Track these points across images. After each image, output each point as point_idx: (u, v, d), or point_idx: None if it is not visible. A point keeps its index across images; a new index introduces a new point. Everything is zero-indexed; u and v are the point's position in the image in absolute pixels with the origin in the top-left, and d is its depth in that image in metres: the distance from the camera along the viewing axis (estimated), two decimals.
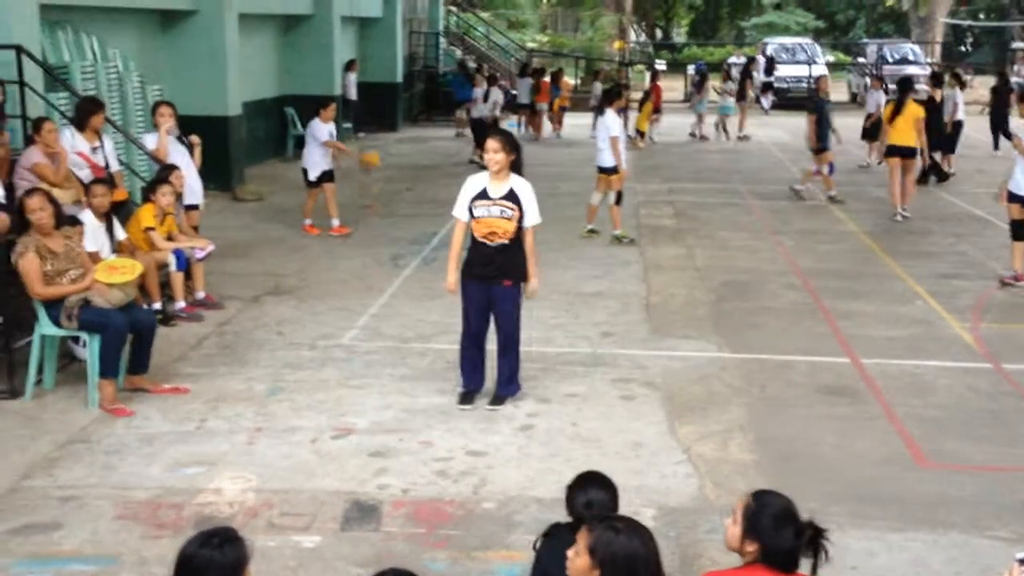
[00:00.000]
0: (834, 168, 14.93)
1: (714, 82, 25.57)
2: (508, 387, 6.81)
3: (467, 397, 6.79)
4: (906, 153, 13.50)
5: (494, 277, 6.56)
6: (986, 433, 6.43)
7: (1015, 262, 9.95)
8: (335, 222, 12.34)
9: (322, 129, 12.17)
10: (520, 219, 6.49)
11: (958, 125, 17.42)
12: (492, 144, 6.42)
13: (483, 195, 6.48)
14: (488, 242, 6.48)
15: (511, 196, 6.46)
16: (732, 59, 32.99)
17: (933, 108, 16.25)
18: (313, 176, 12.26)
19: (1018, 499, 5.52)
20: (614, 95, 12.52)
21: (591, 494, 3.71)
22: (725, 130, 23.37)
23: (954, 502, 5.48)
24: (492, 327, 6.81)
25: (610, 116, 11.91)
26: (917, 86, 21.49)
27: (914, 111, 13.59)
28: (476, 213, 6.48)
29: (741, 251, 11.64)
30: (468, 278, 6.65)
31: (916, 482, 5.73)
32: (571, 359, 7.72)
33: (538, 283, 6.79)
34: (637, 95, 24.67)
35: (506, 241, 6.49)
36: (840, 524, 5.16)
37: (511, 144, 6.49)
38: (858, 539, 5.05)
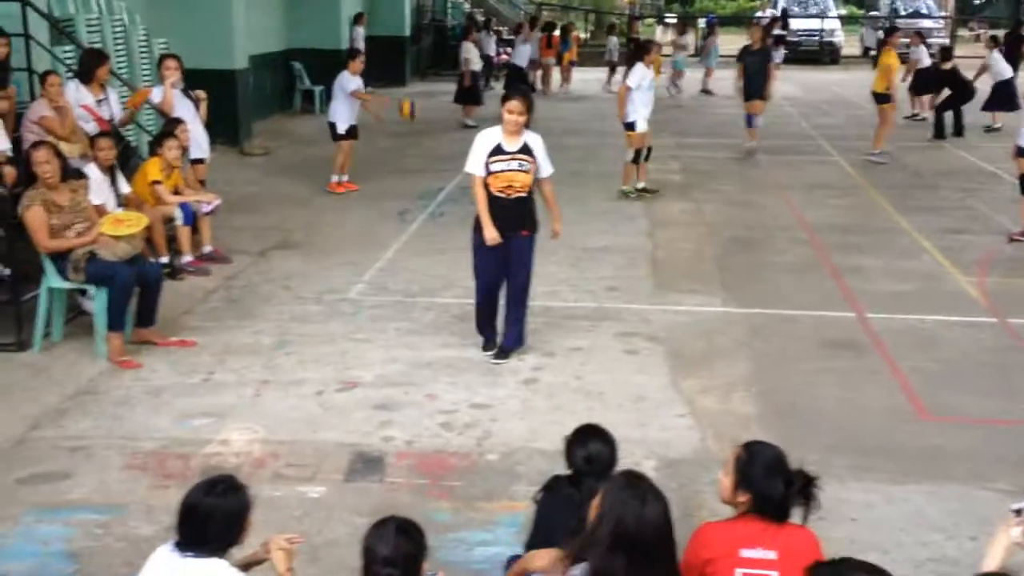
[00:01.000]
0: (753, 121, 14.42)
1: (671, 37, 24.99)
2: (515, 341, 6.86)
3: (489, 344, 6.92)
4: (877, 98, 14.33)
5: (513, 229, 6.59)
6: (989, 387, 6.44)
7: None
8: (344, 177, 12.28)
9: (351, 81, 12.03)
10: (536, 171, 6.55)
11: (1008, 84, 16.77)
12: (515, 105, 6.39)
13: (498, 151, 6.48)
14: (505, 196, 6.50)
15: (526, 149, 6.50)
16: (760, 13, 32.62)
17: (948, 77, 16.31)
18: (341, 129, 12.06)
19: (1018, 452, 5.54)
20: (646, 48, 11.98)
21: (590, 448, 3.75)
22: (676, 84, 23.10)
23: (955, 454, 5.51)
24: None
25: (637, 69, 11.42)
26: (930, 40, 21.36)
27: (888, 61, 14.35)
28: (493, 168, 6.48)
29: (748, 206, 11.62)
30: (482, 232, 6.64)
31: (917, 435, 5.76)
32: (576, 313, 7.74)
33: (561, 226, 6.93)
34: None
35: (523, 194, 6.54)
36: (840, 476, 5.22)
37: (530, 104, 6.51)
38: (858, 491, 5.09)
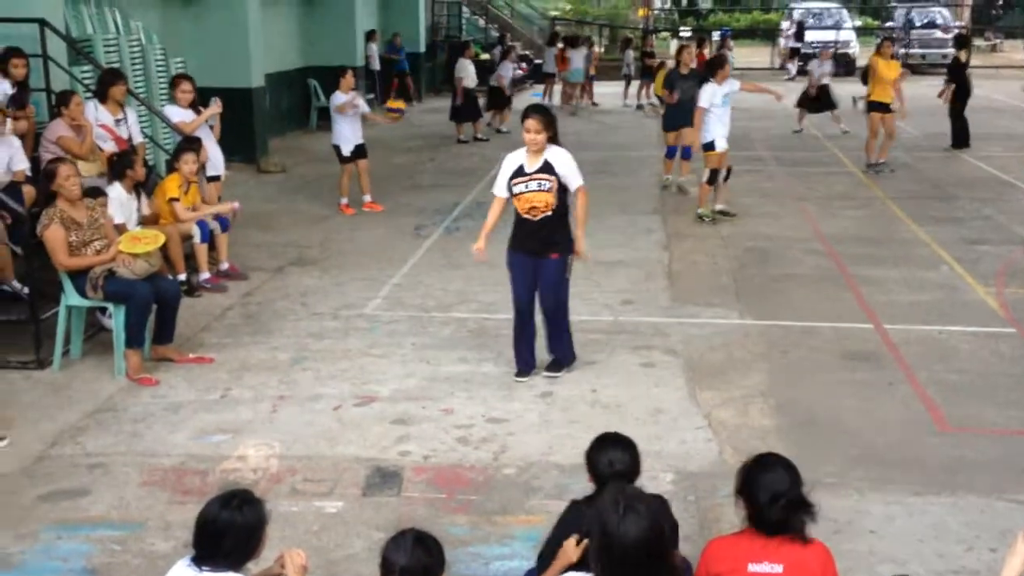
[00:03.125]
0: (672, 153, 13.40)
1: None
2: (563, 356, 6.80)
3: (522, 371, 6.75)
4: (884, 108, 14.13)
5: (540, 251, 6.50)
6: (1008, 397, 6.40)
7: None
8: (367, 198, 12.11)
9: (337, 96, 11.74)
10: (559, 189, 6.40)
11: None
12: (533, 124, 6.29)
13: (520, 172, 6.42)
14: (531, 217, 6.43)
15: (546, 167, 6.37)
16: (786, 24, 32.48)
17: (958, 70, 16.05)
18: (346, 152, 11.86)
19: None
20: (718, 64, 11.33)
21: (611, 454, 3.75)
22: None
23: (974, 466, 5.47)
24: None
25: (708, 88, 10.95)
26: (944, 50, 21.22)
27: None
28: (515, 190, 6.43)
29: (764, 218, 11.59)
30: (515, 251, 6.61)
31: (937, 446, 5.72)
32: (592, 327, 7.73)
33: (585, 246, 6.67)
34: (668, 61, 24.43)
35: (549, 213, 6.41)
36: (860, 488, 5.20)
37: (549, 121, 6.39)
38: (878, 503, 5.06)
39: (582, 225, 6.64)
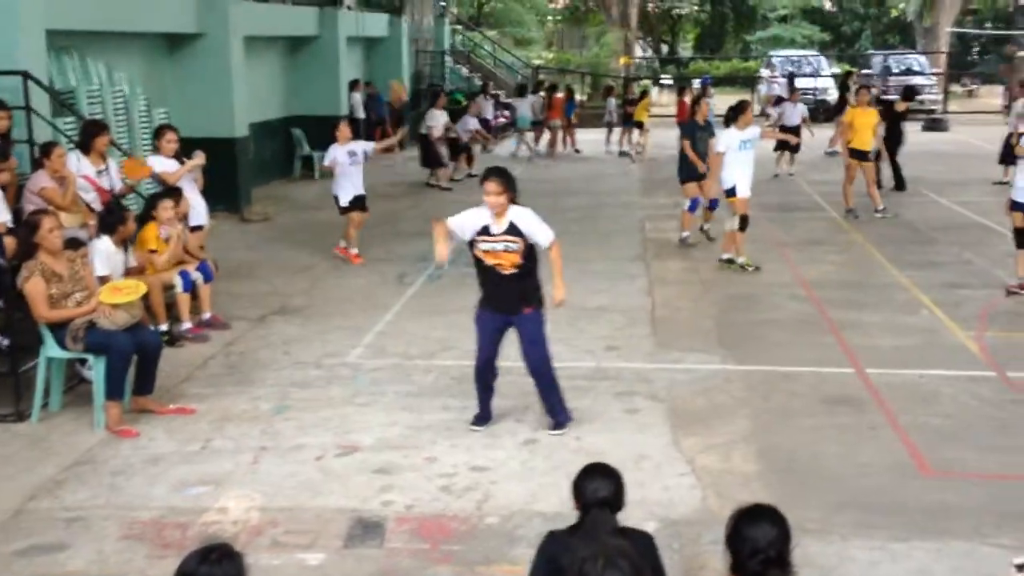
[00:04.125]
0: (696, 205, 12.70)
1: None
2: (560, 415, 6.69)
3: (479, 420, 6.73)
4: (862, 156, 14.32)
5: (513, 308, 6.45)
6: (990, 441, 6.42)
7: (1020, 270, 9.94)
8: (343, 243, 11.99)
9: (340, 152, 11.59)
10: (526, 248, 6.35)
11: None
12: (493, 187, 6.25)
13: (485, 231, 6.36)
14: (500, 271, 6.38)
15: (512, 230, 6.32)
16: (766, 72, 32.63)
17: (894, 117, 16.35)
18: (344, 202, 11.74)
19: (1022, 506, 5.50)
20: (740, 110, 11.19)
21: (597, 482, 3.77)
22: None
23: (958, 510, 5.47)
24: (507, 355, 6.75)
25: (727, 133, 11.02)
26: (920, 97, 21.67)
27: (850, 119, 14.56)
28: (482, 247, 6.38)
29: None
30: (482, 308, 6.57)
31: (920, 491, 5.72)
32: (575, 373, 7.71)
33: (563, 293, 6.56)
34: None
35: (516, 270, 6.37)
36: (844, 535, 5.19)
37: (509, 184, 6.33)
38: (862, 549, 5.05)
39: (559, 274, 6.55)
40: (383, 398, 7.30)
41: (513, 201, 6.37)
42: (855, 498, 5.63)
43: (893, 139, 16.01)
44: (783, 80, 30.90)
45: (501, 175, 6.36)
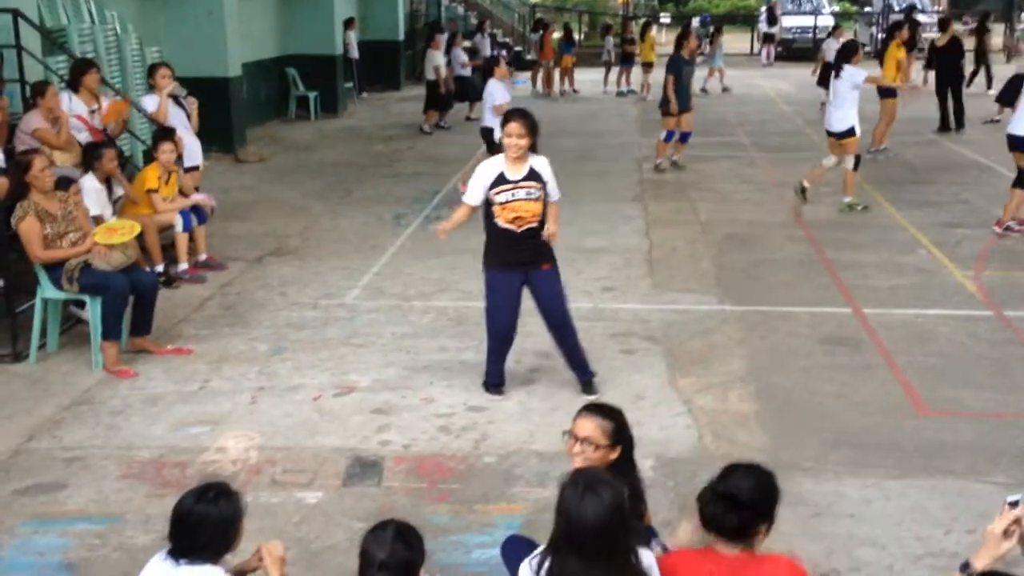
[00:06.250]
0: (687, 136, 13.52)
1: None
2: (587, 371, 6.40)
3: (494, 388, 6.35)
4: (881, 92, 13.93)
5: (530, 263, 6.05)
6: (986, 380, 6.44)
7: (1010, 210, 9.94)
8: None
9: (498, 88, 11.82)
10: (546, 197, 6.03)
11: None
12: (516, 128, 5.85)
13: (501, 180, 5.92)
14: (515, 228, 5.94)
15: (533, 175, 5.94)
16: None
17: (944, 52, 16.07)
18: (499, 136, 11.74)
19: (1017, 445, 5.53)
20: (851, 49, 11.06)
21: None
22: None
23: (952, 449, 5.50)
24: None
25: (850, 71, 10.73)
26: (925, 34, 21.36)
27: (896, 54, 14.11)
28: (500, 199, 5.91)
29: (744, 204, 11.62)
30: (497, 268, 6.09)
31: (915, 430, 5.75)
32: (573, 314, 7.69)
33: (556, 227, 6.15)
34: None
35: (534, 224, 5.97)
36: (838, 472, 5.22)
37: (532, 126, 5.92)
38: (856, 487, 5.08)
39: (553, 218, 6.14)
40: (380, 339, 7.30)
41: (533, 148, 5.99)
42: (851, 437, 5.65)
43: (944, 77, 15.71)
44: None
45: (525, 116, 5.94)
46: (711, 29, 24.97)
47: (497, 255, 6.09)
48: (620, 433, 3.81)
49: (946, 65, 16.12)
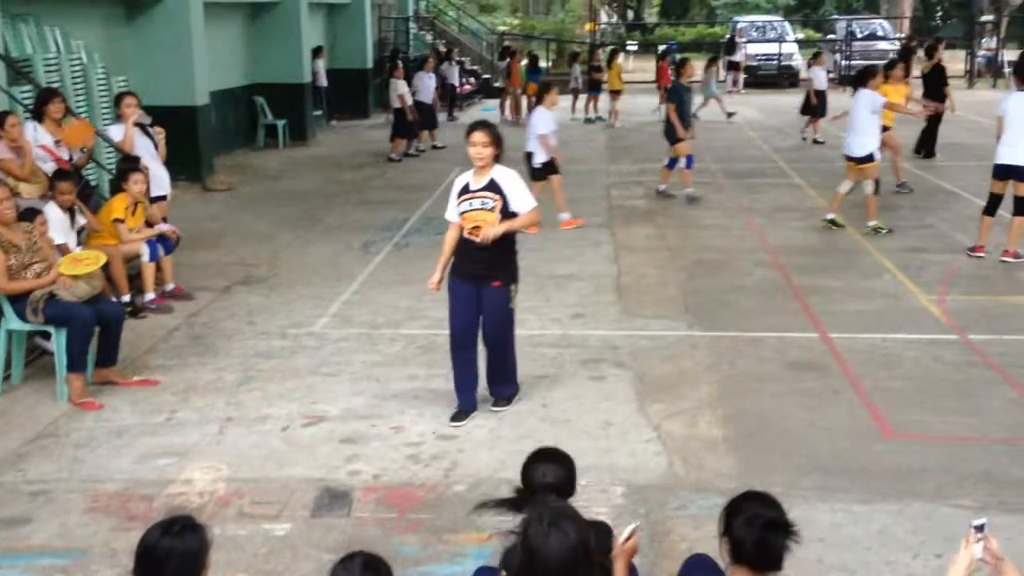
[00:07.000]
0: (691, 161, 13.51)
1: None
2: (504, 388, 6.51)
3: (459, 416, 6.33)
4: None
5: (481, 277, 6.16)
6: (952, 404, 6.49)
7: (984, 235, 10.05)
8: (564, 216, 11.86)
9: (545, 117, 11.75)
10: (504, 208, 6.07)
11: None
12: (479, 137, 6.03)
13: (465, 190, 6.14)
14: (474, 238, 6.06)
15: (491, 186, 6.09)
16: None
17: (928, 78, 16.17)
18: (538, 162, 11.80)
19: (982, 468, 5.58)
20: (871, 73, 11.10)
21: (545, 466, 3.74)
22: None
23: (919, 472, 5.54)
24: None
25: (868, 96, 10.81)
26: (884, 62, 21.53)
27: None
28: (461, 209, 6.13)
29: (712, 230, 11.69)
30: (455, 277, 6.26)
31: (882, 454, 5.79)
32: (541, 341, 7.73)
33: (493, 232, 6.01)
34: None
35: None
36: (807, 497, 5.24)
37: (496, 137, 6.11)
38: (825, 511, 5.10)
39: (517, 223, 6.15)
40: (349, 368, 7.27)
41: (498, 159, 6.18)
42: (819, 462, 5.68)
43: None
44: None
45: (488, 127, 6.17)
46: (677, 58, 25.13)
47: (456, 264, 6.29)
48: (571, 481, 3.77)
49: (930, 90, 16.27)
